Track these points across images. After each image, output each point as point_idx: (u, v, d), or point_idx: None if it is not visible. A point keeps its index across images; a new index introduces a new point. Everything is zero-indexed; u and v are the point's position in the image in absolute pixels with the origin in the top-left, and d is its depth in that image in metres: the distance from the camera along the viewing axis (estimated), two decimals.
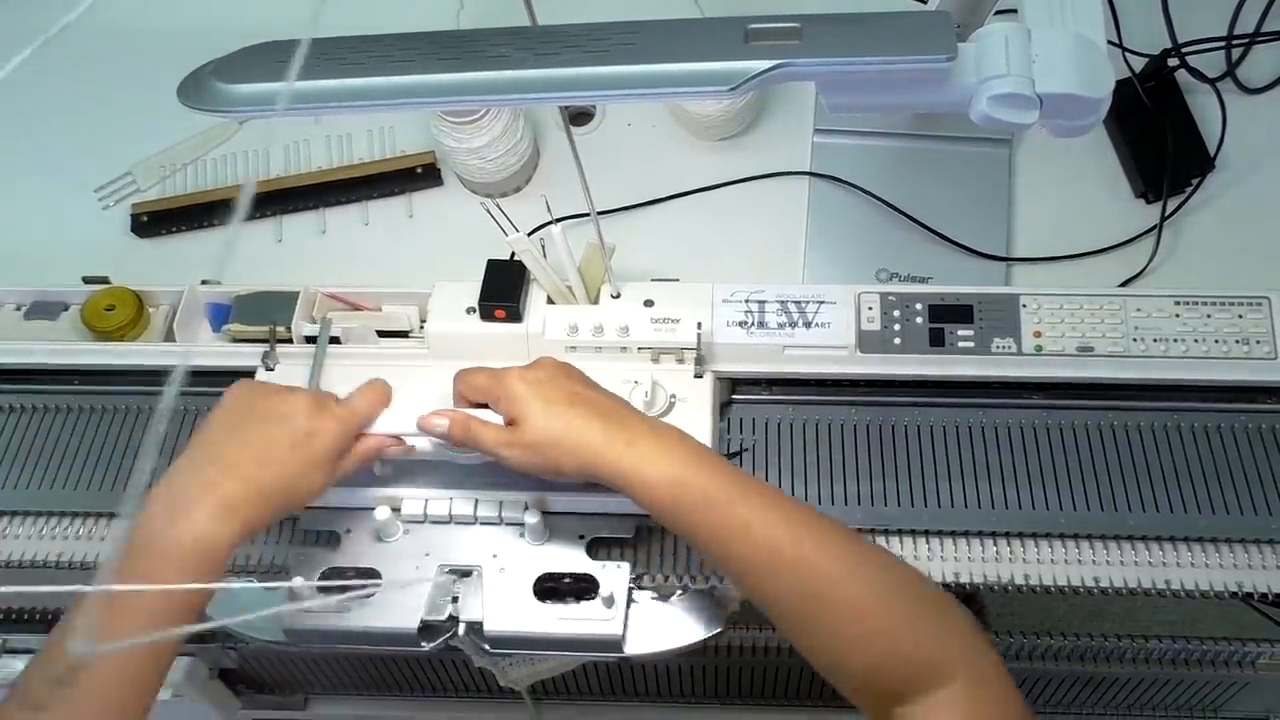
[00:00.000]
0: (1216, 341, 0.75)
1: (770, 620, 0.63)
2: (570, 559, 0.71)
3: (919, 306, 0.77)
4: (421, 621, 0.68)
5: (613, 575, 0.70)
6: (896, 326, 0.77)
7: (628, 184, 0.96)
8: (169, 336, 0.84)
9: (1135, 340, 0.75)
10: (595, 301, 0.79)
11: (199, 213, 0.99)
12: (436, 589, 0.69)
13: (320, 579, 0.69)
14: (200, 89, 0.55)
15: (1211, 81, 0.96)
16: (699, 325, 0.76)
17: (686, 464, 0.64)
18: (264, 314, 0.82)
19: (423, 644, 0.69)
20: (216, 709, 0.83)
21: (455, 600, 0.69)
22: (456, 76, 0.54)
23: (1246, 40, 0.98)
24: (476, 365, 0.72)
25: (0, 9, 1.09)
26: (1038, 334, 0.76)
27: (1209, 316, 0.76)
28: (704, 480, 0.63)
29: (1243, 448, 0.74)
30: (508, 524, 0.72)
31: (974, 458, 0.74)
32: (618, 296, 0.79)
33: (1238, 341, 0.75)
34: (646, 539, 0.73)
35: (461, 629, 0.69)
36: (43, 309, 0.86)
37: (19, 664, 0.80)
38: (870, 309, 0.77)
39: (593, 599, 0.69)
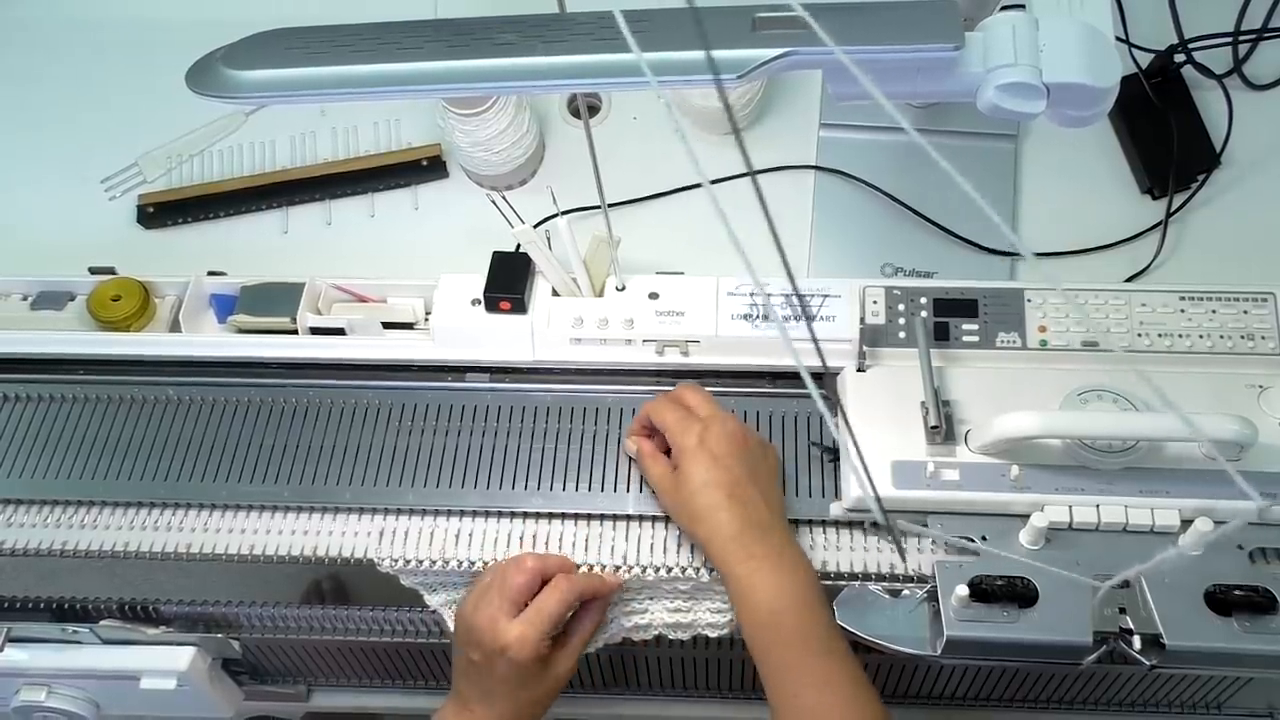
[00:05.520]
0: (1221, 337, 0.75)
1: None
2: (1236, 568, 0.68)
3: (924, 301, 0.77)
4: (1095, 635, 0.65)
5: None
6: (901, 320, 0.77)
7: (633, 177, 0.96)
8: (175, 327, 0.85)
9: (1140, 335, 0.75)
10: (600, 294, 0.79)
11: (205, 204, 0.99)
12: (1102, 600, 0.66)
13: (969, 587, 0.66)
14: (209, 75, 0.56)
15: (1218, 78, 0.96)
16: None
17: (796, 598, 0.65)
18: (270, 305, 0.82)
19: (1085, 659, 0.66)
20: (219, 698, 0.83)
21: (1122, 611, 0.66)
22: (464, 63, 0.54)
23: (1254, 36, 0.98)
24: (677, 393, 0.74)
25: (2, 6, 1.09)
26: (1043, 329, 0.76)
27: (1214, 312, 0.76)
28: (804, 621, 0.65)
29: None
30: (1158, 532, 0.69)
31: None
32: (622, 289, 0.79)
33: (1242, 337, 0.75)
34: None
35: (1137, 642, 0.66)
36: (49, 299, 0.87)
37: (23, 654, 0.80)
38: (875, 303, 0.77)
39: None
